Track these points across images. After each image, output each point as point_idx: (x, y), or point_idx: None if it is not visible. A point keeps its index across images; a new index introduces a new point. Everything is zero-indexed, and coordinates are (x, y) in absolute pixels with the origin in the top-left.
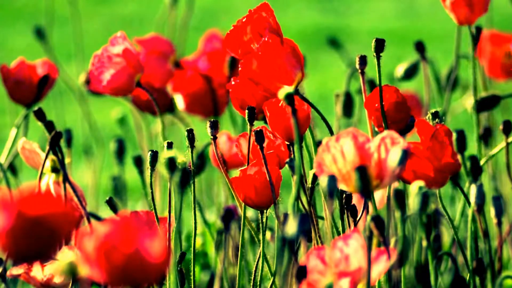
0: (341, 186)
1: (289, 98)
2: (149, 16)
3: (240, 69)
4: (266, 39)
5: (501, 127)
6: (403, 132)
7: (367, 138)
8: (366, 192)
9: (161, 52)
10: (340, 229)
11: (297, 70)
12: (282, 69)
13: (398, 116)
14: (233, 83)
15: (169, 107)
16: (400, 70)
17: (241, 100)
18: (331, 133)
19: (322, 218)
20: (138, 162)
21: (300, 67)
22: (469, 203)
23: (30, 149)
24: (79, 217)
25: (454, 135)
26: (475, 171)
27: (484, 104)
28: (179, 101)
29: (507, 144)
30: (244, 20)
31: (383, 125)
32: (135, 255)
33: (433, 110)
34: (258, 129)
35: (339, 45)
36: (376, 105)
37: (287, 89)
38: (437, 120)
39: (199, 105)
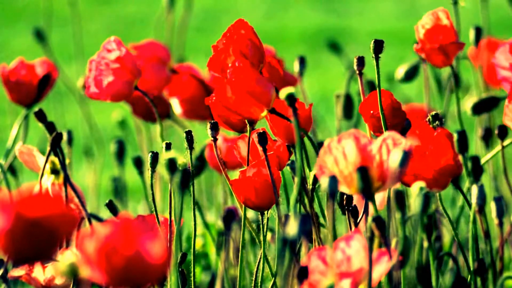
0: (343, 188)
1: (290, 98)
2: (150, 17)
3: (214, 98)
4: (236, 64)
5: (496, 131)
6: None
7: (369, 140)
8: (368, 193)
9: (158, 58)
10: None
11: (271, 90)
12: (256, 93)
13: (394, 121)
14: (214, 99)
15: (167, 113)
16: (400, 72)
17: (223, 116)
18: (312, 143)
19: (322, 222)
20: (138, 163)
21: (273, 85)
22: (469, 205)
23: (28, 153)
24: (79, 218)
25: (455, 136)
26: (476, 172)
27: (483, 106)
28: (176, 107)
29: (503, 147)
30: (224, 41)
31: (382, 128)
32: (135, 256)
33: (433, 113)
34: (261, 131)
35: (339, 49)
36: (372, 111)
37: (289, 89)
38: (437, 122)
39: (196, 110)
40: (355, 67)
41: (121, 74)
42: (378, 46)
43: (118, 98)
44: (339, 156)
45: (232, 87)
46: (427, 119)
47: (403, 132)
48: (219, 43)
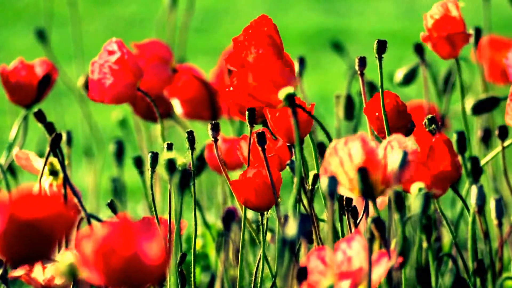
0: (346, 191)
1: (290, 98)
2: (150, 17)
3: (235, 82)
4: (260, 51)
5: (497, 132)
6: None
7: (376, 143)
8: (367, 193)
9: (161, 58)
10: (340, 230)
11: (292, 80)
12: (277, 81)
13: (399, 122)
14: (231, 88)
15: (168, 113)
16: (399, 76)
17: (240, 105)
18: (329, 138)
19: (323, 221)
20: (138, 163)
21: (294, 76)
22: (467, 208)
23: (25, 157)
24: (76, 219)
25: (455, 136)
26: (476, 173)
27: (483, 106)
28: (177, 107)
29: (503, 148)
30: (245, 36)
31: (385, 131)
32: (133, 257)
33: (429, 116)
34: (260, 131)
35: (341, 49)
36: (377, 113)
37: (288, 89)
38: (433, 126)
39: (197, 110)
40: (357, 68)
41: (123, 76)
42: (382, 47)
43: (121, 100)
44: (344, 158)
45: (254, 73)
46: (423, 123)
47: (407, 135)
48: (240, 37)
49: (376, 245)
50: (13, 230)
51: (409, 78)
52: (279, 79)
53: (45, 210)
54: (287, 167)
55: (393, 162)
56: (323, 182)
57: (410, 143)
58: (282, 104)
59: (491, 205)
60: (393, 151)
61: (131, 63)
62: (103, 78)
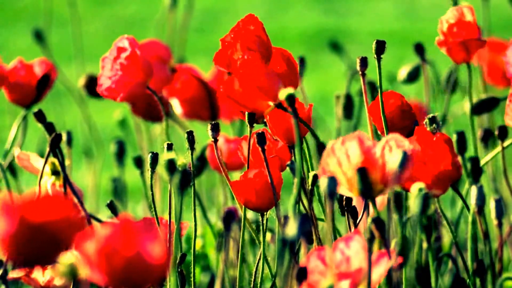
0: (345, 190)
1: (290, 99)
2: (150, 17)
3: (221, 90)
4: (246, 57)
5: (496, 132)
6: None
7: (373, 142)
8: (367, 194)
9: (159, 57)
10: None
11: (279, 84)
12: (264, 87)
13: (403, 123)
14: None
15: (167, 113)
16: (403, 73)
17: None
18: (317, 141)
19: (322, 220)
20: (139, 163)
21: (280, 80)
22: (467, 208)
23: (27, 159)
24: (83, 221)
25: (455, 137)
26: (476, 173)
27: (483, 106)
28: (176, 107)
29: (503, 148)
30: (232, 36)
31: (389, 130)
32: (136, 257)
33: (430, 115)
34: (260, 132)
35: (340, 49)
36: None
37: (288, 89)
38: (434, 125)
39: (197, 110)
40: (358, 68)
41: (134, 73)
42: (380, 47)
43: (131, 98)
44: (342, 158)
45: (240, 79)
46: (424, 122)
47: (410, 135)
48: (227, 37)
49: (376, 245)
50: (24, 232)
51: (413, 76)
52: (265, 83)
53: (55, 214)
54: (287, 168)
55: (393, 162)
56: (323, 182)
57: (407, 142)
58: (269, 110)
59: (491, 205)
60: (391, 150)
61: (142, 61)
62: (115, 75)
